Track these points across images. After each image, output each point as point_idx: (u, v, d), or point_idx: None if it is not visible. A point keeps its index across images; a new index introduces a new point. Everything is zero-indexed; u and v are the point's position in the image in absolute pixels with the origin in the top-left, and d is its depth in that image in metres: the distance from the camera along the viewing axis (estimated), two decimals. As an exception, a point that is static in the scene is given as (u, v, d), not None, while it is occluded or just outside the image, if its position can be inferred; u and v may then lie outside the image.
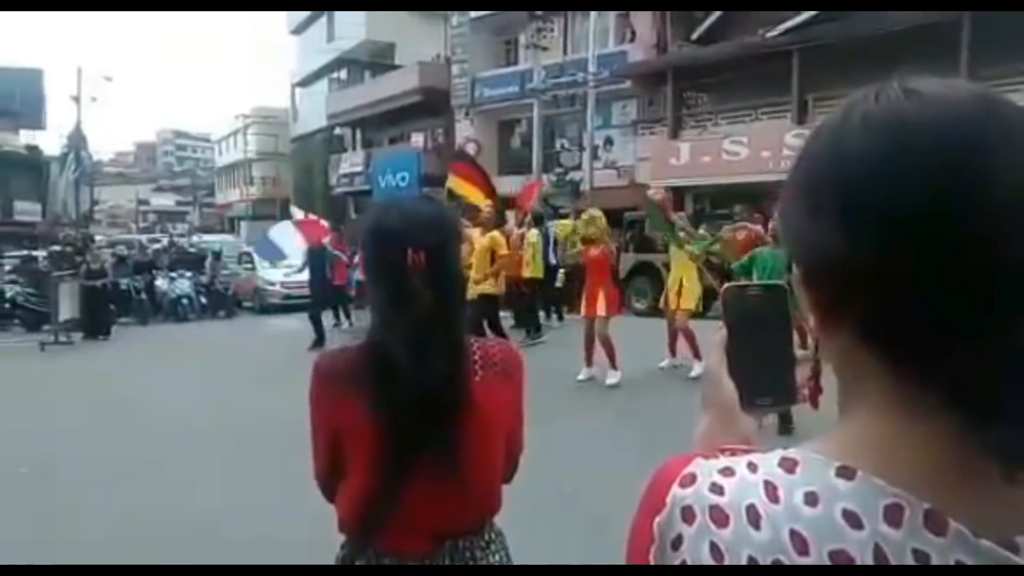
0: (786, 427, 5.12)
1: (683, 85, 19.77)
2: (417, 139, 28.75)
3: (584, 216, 8.56)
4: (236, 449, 6.12)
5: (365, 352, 1.47)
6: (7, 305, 15.87)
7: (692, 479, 0.59)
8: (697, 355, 7.88)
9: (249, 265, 19.96)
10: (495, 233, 10.14)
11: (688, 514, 0.57)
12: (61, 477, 5.63)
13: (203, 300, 17.77)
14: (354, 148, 33.66)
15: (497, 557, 1.55)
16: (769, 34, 17.68)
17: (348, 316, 13.64)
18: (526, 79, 22.31)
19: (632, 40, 21.18)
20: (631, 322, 11.23)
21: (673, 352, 8.56)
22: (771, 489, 0.55)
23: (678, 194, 18.76)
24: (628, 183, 20.36)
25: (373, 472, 1.43)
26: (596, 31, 20.08)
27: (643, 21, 20.75)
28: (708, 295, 8.55)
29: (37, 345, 12.84)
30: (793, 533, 0.53)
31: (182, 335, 14.91)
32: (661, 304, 8.81)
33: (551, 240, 13.35)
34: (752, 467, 0.58)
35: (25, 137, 37.89)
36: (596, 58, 19.76)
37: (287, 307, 16.99)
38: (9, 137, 35.75)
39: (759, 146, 17.28)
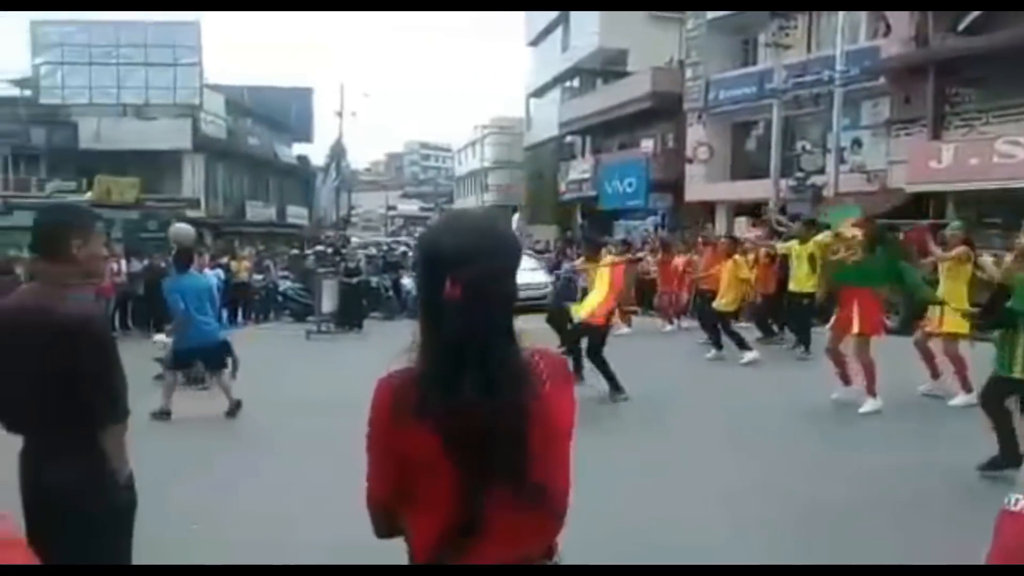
0: None
1: (946, 80, 17.86)
2: (646, 144, 28.62)
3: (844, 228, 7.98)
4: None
5: (414, 375, 1.43)
6: (280, 298, 17.99)
7: None
8: (966, 385, 7.06)
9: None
10: None
11: None
12: (318, 455, 6.25)
13: (443, 299, 18.91)
14: (583, 155, 34.23)
15: None
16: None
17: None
18: (765, 79, 21.38)
19: (886, 34, 19.51)
20: (882, 340, 10.30)
21: (935, 375, 7.69)
22: None
23: (939, 200, 17.01)
24: (879, 188, 18.78)
25: (450, 506, 1.39)
26: (845, 26, 18.75)
27: (899, 13, 19.03)
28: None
29: (303, 334, 14.42)
30: None
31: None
32: (924, 324, 7.80)
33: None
34: None
35: (296, 149, 42.81)
36: (845, 54, 18.45)
37: (521, 308, 17.61)
38: (283, 149, 40.60)
39: (1040, 147, 15.19)
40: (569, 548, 1.55)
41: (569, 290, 11.91)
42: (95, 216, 2.74)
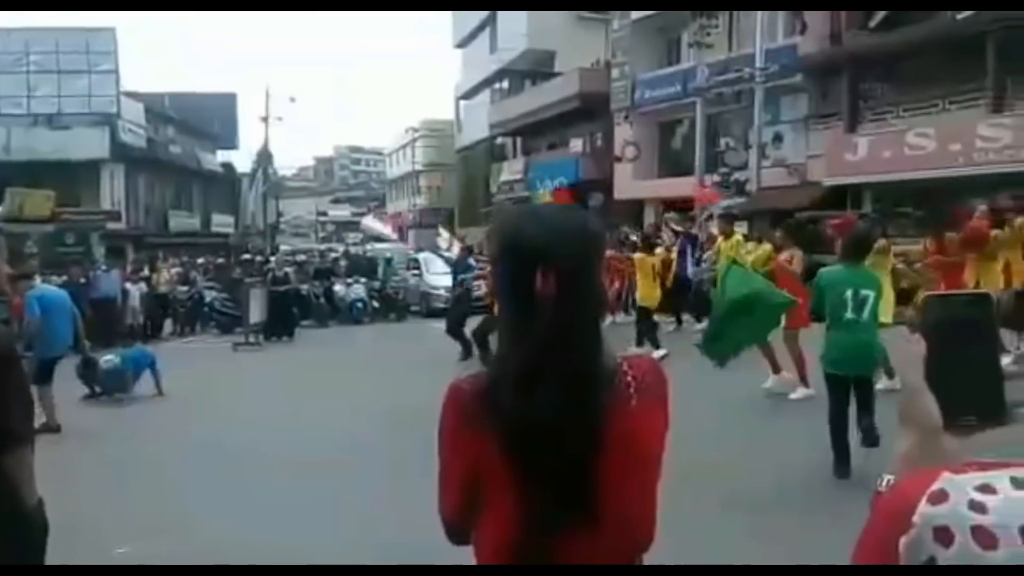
0: None
1: (860, 76, 18.61)
2: (576, 144, 28.93)
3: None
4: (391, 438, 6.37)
5: (485, 382, 1.32)
6: (205, 309, 17.47)
7: (943, 496, 0.52)
8: (887, 370, 7.15)
9: (417, 272, 20.79)
10: None
11: (943, 535, 0.51)
12: (243, 471, 6.09)
13: (375, 304, 18.70)
14: (514, 156, 34.38)
15: None
16: (960, 16, 16.25)
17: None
18: (689, 78, 21.85)
19: (803, 32, 20.18)
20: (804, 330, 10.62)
21: None
22: None
23: (855, 191, 17.67)
24: (799, 181, 19.41)
25: (512, 521, 1.27)
26: (764, 25, 19.32)
27: (815, 12, 19.71)
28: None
29: (231, 346, 14.05)
30: None
31: (356, 337, 15.78)
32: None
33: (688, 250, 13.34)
34: (1018, 483, 0.50)
35: (221, 156, 41.77)
36: (764, 52, 19.02)
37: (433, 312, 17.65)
38: (207, 157, 39.57)
39: (947, 139, 15.93)
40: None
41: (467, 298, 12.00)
42: None
